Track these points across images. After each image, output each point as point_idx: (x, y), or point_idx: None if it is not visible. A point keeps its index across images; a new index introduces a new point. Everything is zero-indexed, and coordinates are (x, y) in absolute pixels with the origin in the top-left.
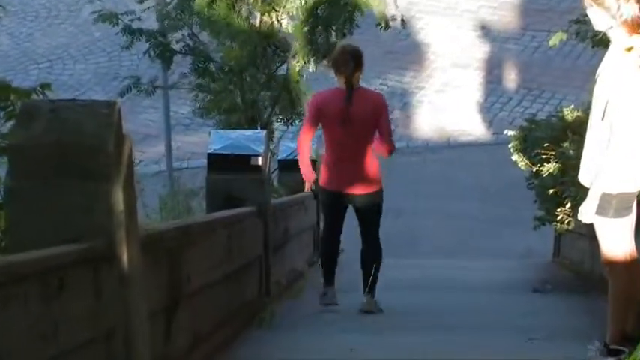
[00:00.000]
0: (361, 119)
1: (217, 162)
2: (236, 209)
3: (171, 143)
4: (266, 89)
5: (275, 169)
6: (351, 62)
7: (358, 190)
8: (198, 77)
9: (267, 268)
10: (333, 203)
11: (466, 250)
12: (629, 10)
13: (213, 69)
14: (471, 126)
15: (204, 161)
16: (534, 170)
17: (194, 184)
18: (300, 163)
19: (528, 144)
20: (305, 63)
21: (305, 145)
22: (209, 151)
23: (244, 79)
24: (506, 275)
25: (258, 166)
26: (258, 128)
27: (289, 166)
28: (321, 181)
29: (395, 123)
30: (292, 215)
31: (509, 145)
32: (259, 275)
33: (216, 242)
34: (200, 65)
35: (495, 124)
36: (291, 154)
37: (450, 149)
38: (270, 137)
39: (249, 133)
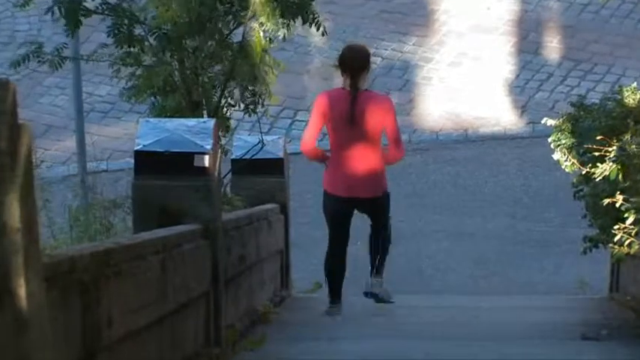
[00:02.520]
0: (366, 122)
1: (148, 162)
2: (174, 227)
3: (85, 137)
4: (216, 62)
5: (228, 172)
6: (356, 62)
7: (364, 194)
8: (121, 46)
9: (216, 308)
10: (338, 209)
11: (492, 283)
12: None
13: (142, 34)
14: (497, 112)
15: (131, 161)
16: (584, 173)
17: (116, 192)
18: (310, 157)
19: (576, 137)
20: (269, 25)
21: (311, 147)
22: (137, 148)
23: (185, 48)
24: (546, 318)
25: (205, 168)
26: (205, 116)
27: (248, 167)
28: (325, 185)
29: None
30: (252, 236)
31: (550, 139)
32: (205, 318)
33: (146, 273)
34: (122, 30)
35: (530, 110)
36: (250, 150)
37: (467, 144)
38: (222, 128)
39: (192, 122)
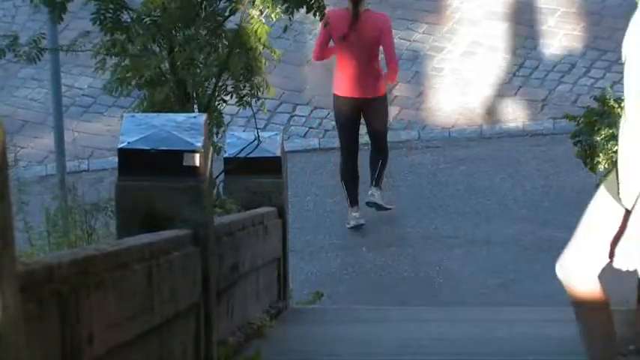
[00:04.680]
0: (365, 40)
1: (133, 161)
2: (161, 233)
3: (64, 133)
4: (208, 52)
5: (221, 172)
6: None
7: (365, 94)
8: (106, 34)
9: (207, 321)
10: (346, 113)
11: (509, 294)
12: None
13: (129, 21)
14: (513, 107)
15: (114, 160)
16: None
17: (98, 194)
18: (323, 59)
19: (601, 135)
20: (268, 10)
21: (319, 54)
22: (121, 145)
23: (175, 35)
24: (567, 332)
25: (195, 168)
26: (196, 110)
27: (243, 167)
28: (335, 89)
29: (400, 102)
30: (246, 242)
31: (571, 139)
32: (195, 333)
33: (130, 283)
34: (108, 16)
35: (551, 105)
36: (245, 148)
37: (482, 142)
38: (214, 124)
39: (181, 117)
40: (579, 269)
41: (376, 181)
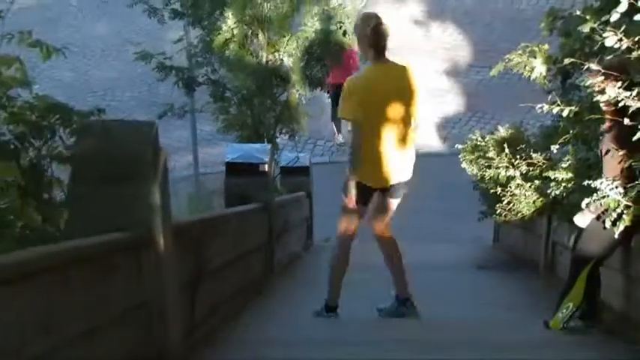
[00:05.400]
0: None
1: (233, 168)
2: (247, 205)
3: (197, 154)
4: (271, 111)
5: (278, 174)
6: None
7: None
8: (217, 102)
9: (271, 251)
10: None
11: (429, 236)
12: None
13: (229, 96)
14: (430, 141)
15: (223, 168)
16: (479, 175)
17: (215, 186)
18: None
19: (475, 155)
20: (301, 90)
21: None
22: (226, 160)
23: (254, 103)
24: (458, 256)
25: (265, 172)
26: (265, 142)
27: (289, 171)
28: None
29: None
30: (291, 210)
31: (459, 156)
32: (265, 256)
33: (231, 231)
34: (218, 94)
35: (450, 139)
36: (290, 162)
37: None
38: (274, 149)
39: (257, 145)
40: None
41: None
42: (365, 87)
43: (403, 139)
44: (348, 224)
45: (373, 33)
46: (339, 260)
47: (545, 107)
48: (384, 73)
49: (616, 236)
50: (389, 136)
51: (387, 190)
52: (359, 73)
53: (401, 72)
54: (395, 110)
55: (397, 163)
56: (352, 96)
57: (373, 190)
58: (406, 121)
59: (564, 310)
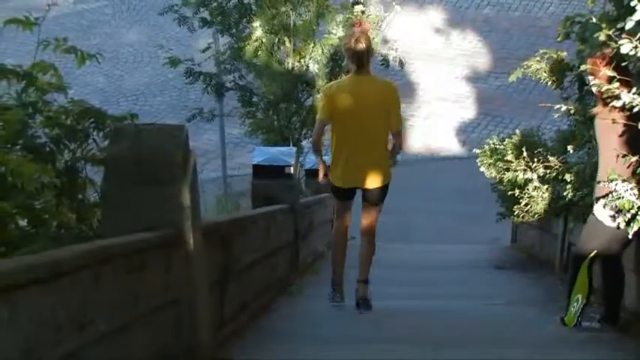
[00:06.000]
0: None
1: (260, 171)
2: (274, 206)
3: (226, 157)
4: (296, 115)
5: (303, 176)
6: None
7: None
8: (244, 107)
9: (296, 250)
10: None
11: (447, 237)
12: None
13: (256, 101)
14: (450, 144)
15: (250, 170)
16: (497, 178)
17: (242, 187)
18: None
19: (493, 159)
20: None
21: None
22: (253, 163)
23: (280, 108)
24: (475, 256)
25: (290, 174)
26: (291, 145)
27: (314, 173)
28: None
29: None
30: (316, 211)
31: (477, 160)
32: (290, 255)
33: (259, 231)
34: (246, 98)
35: (468, 143)
36: (315, 164)
37: (434, 161)
38: (299, 152)
39: (283, 149)
40: None
41: None
42: (337, 93)
43: (373, 147)
44: (338, 218)
45: (350, 50)
46: (334, 248)
47: (563, 108)
48: (360, 84)
49: (630, 236)
50: (356, 142)
51: (366, 191)
52: (339, 81)
53: (380, 86)
54: (366, 119)
55: (364, 168)
56: (325, 98)
57: (347, 190)
58: (378, 130)
59: (575, 304)
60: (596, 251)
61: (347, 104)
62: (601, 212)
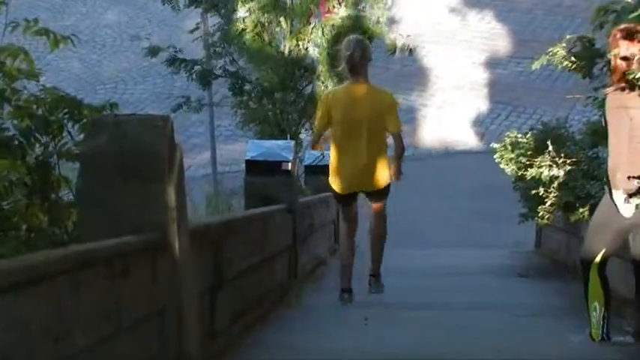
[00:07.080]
0: None
1: (254, 167)
2: (270, 207)
3: (216, 151)
4: (294, 105)
5: (302, 173)
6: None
7: None
8: (235, 96)
9: (295, 255)
10: None
11: (464, 240)
12: None
13: (249, 89)
14: (466, 137)
15: (243, 166)
16: (519, 174)
17: (234, 185)
18: None
19: (514, 153)
20: (327, 83)
21: None
22: (247, 158)
23: (276, 97)
24: (496, 262)
25: (288, 171)
26: (288, 138)
27: (314, 170)
28: None
29: (403, 135)
30: (316, 211)
31: (495, 156)
32: (288, 261)
33: (253, 234)
34: (237, 86)
35: (486, 136)
36: (315, 160)
37: (448, 156)
38: (297, 146)
39: (280, 142)
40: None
41: None
42: (333, 104)
43: (370, 155)
44: (343, 224)
45: (344, 59)
46: (341, 255)
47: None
48: (355, 93)
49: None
50: (354, 151)
51: (368, 193)
52: (336, 88)
53: (375, 95)
54: (362, 129)
55: (363, 176)
56: (323, 107)
57: (346, 196)
58: (375, 139)
59: (594, 313)
60: (603, 252)
61: (342, 115)
62: (620, 200)
